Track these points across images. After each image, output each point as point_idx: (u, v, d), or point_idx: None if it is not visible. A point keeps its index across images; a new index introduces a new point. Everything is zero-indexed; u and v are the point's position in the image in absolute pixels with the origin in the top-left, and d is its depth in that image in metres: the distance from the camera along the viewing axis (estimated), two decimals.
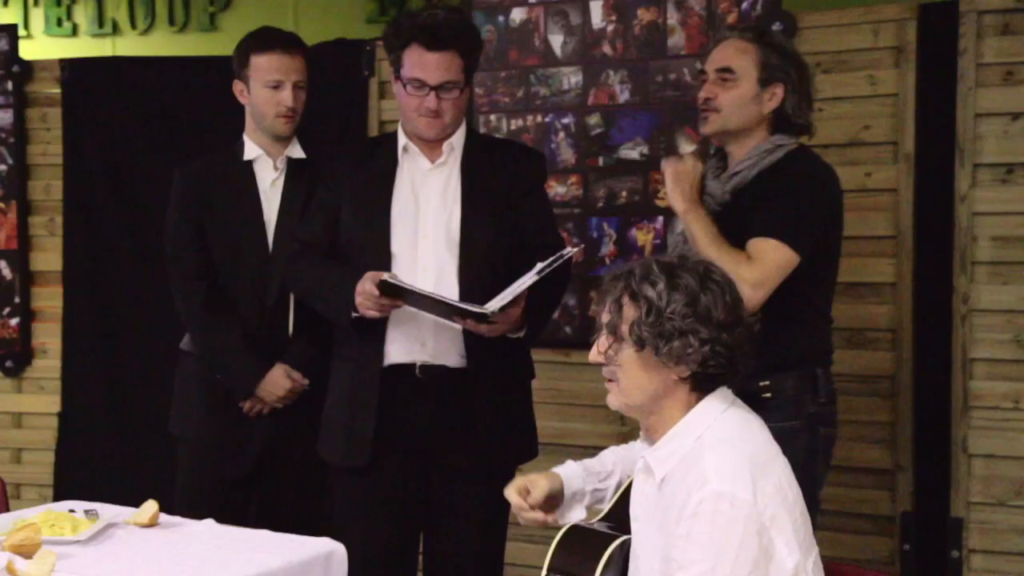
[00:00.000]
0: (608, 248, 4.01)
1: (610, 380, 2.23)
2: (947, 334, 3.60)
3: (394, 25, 3.06)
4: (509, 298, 2.76)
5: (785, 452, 2.74)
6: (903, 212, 3.65)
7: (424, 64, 2.93)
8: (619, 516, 2.40)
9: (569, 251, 2.84)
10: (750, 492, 2.01)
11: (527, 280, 2.77)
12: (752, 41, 2.92)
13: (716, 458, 2.06)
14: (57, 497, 4.41)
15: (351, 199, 3.03)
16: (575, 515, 2.48)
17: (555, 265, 2.78)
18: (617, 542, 2.30)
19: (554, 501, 2.44)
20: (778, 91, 2.89)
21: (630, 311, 2.15)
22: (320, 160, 3.31)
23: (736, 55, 2.92)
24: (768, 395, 2.83)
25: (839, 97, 3.71)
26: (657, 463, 2.17)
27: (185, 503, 3.13)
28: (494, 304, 2.76)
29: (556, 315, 3.92)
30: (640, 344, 2.13)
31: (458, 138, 3.04)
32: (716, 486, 2.01)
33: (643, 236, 3.95)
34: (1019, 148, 3.52)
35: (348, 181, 3.06)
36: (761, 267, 2.76)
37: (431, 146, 3.02)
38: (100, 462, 4.56)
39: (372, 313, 2.87)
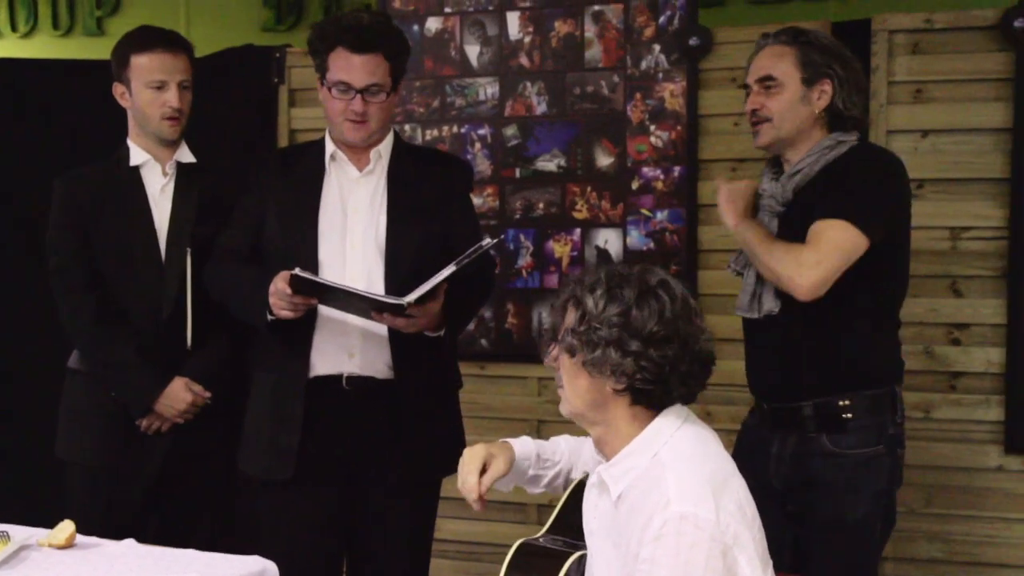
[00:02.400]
0: (525, 260, 3.98)
1: (560, 386, 2.20)
2: None
3: (319, 29, 3.00)
4: (425, 289, 2.72)
5: (869, 479, 2.73)
6: None
7: (350, 67, 2.88)
8: (568, 527, 2.36)
9: (487, 242, 2.80)
10: (713, 511, 1.98)
11: (444, 272, 2.73)
12: (788, 43, 2.83)
13: (677, 477, 2.02)
14: None
15: (277, 206, 2.96)
16: (502, 487, 2.45)
17: (472, 256, 2.75)
18: (571, 559, 2.25)
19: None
20: (826, 87, 2.78)
21: (569, 317, 2.14)
22: (239, 167, 3.20)
23: (774, 61, 2.82)
24: (848, 416, 2.72)
25: None
26: (612, 480, 2.13)
27: (81, 529, 2.95)
28: (410, 296, 2.71)
29: (472, 327, 3.90)
30: (571, 351, 2.12)
31: (385, 146, 3.00)
32: (679, 507, 1.97)
33: (560, 248, 3.93)
34: (929, 164, 3.60)
35: (274, 188, 2.98)
36: (817, 247, 2.63)
37: (359, 154, 2.97)
38: None
39: (286, 313, 2.80)
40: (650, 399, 2.11)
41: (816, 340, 2.75)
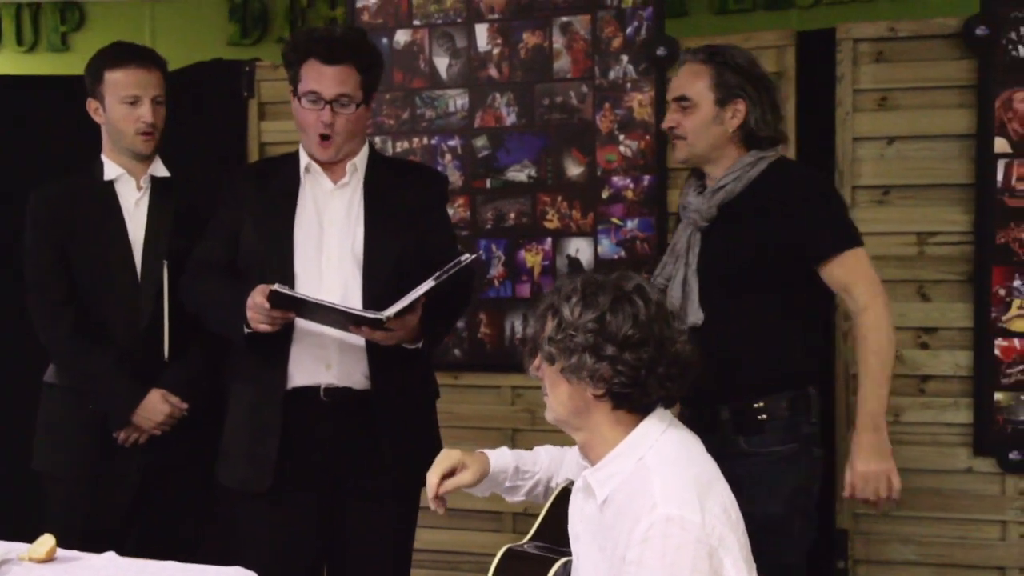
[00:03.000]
0: (497, 270, 4.00)
1: (545, 395, 2.23)
2: (830, 350, 3.67)
3: (292, 41, 3.03)
4: (405, 303, 2.73)
5: (785, 476, 2.80)
6: None
7: (320, 77, 2.90)
8: (552, 534, 2.39)
9: (467, 257, 2.81)
10: (698, 514, 2.01)
11: (424, 286, 2.74)
12: (704, 62, 2.91)
13: (663, 481, 2.05)
14: None
15: (253, 219, 2.97)
16: (477, 492, 2.50)
17: (452, 271, 2.76)
18: (557, 564, 2.28)
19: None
20: (739, 107, 2.88)
21: (548, 325, 2.17)
22: (211, 181, 3.22)
23: (690, 81, 2.91)
24: (763, 417, 2.81)
25: None
26: (598, 484, 2.15)
27: (60, 543, 2.94)
28: (389, 310, 2.72)
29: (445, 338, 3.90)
30: (550, 359, 2.15)
31: (361, 158, 3.01)
32: (665, 510, 2.00)
33: (532, 257, 3.95)
34: (894, 170, 3.64)
35: (249, 201, 2.99)
36: (863, 289, 2.78)
37: (334, 166, 2.98)
38: None
39: (264, 327, 2.80)
40: (631, 403, 2.13)
41: (732, 347, 2.82)
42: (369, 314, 2.74)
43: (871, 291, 2.79)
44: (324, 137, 2.91)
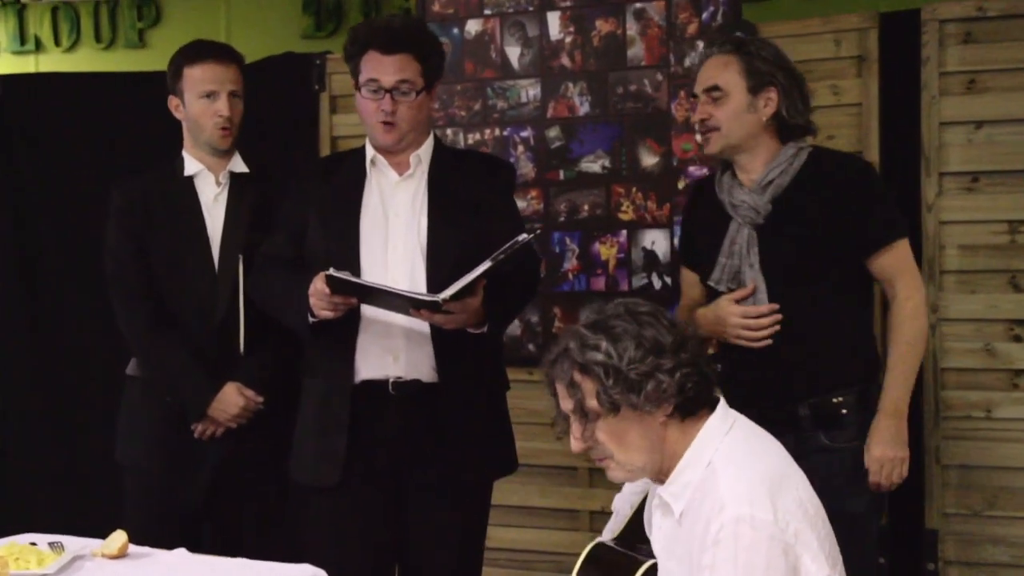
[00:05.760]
0: (571, 263, 3.93)
1: (604, 458, 2.15)
2: None
3: (351, 35, 3.03)
4: (461, 285, 2.69)
5: (865, 472, 2.78)
6: None
7: (379, 66, 2.91)
8: (632, 538, 2.38)
9: (523, 237, 2.76)
10: (770, 511, 1.96)
11: (480, 268, 2.71)
12: (732, 52, 2.89)
13: (729, 481, 2.02)
14: None
15: (319, 212, 2.96)
16: None
17: (510, 251, 2.72)
18: (645, 567, 2.24)
19: None
20: (772, 95, 2.86)
21: (588, 384, 2.09)
22: (283, 175, 3.26)
23: (719, 70, 2.89)
24: (845, 411, 2.80)
25: None
26: (673, 498, 2.12)
27: (136, 534, 2.93)
28: (445, 292, 2.69)
29: (519, 332, 3.88)
30: (615, 408, 2.07)
31: (425, 150, 2.99)
32: (734, 510, 1.96)
33: (607, 250, 3.88)
34: (984, 156, 3.53)
35: (316, 195, 2.99)
36: (911, 278, 2.84)
37: (398, 158, 2.97)
38: (41, 495, 4.38)
39: (327, 314, 2.80)
40: (696, 402, 2.10)
41: (808, 342, 2.82)
42: (425, 296, 2.72)
43: (915, 283, 2.85)
44: (387, 124, 2.90)
